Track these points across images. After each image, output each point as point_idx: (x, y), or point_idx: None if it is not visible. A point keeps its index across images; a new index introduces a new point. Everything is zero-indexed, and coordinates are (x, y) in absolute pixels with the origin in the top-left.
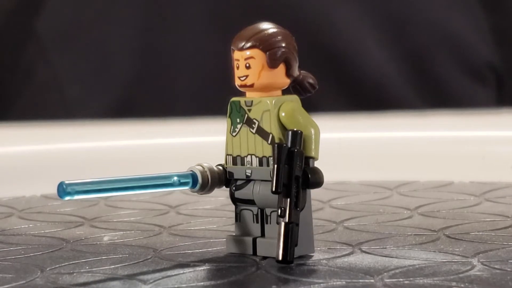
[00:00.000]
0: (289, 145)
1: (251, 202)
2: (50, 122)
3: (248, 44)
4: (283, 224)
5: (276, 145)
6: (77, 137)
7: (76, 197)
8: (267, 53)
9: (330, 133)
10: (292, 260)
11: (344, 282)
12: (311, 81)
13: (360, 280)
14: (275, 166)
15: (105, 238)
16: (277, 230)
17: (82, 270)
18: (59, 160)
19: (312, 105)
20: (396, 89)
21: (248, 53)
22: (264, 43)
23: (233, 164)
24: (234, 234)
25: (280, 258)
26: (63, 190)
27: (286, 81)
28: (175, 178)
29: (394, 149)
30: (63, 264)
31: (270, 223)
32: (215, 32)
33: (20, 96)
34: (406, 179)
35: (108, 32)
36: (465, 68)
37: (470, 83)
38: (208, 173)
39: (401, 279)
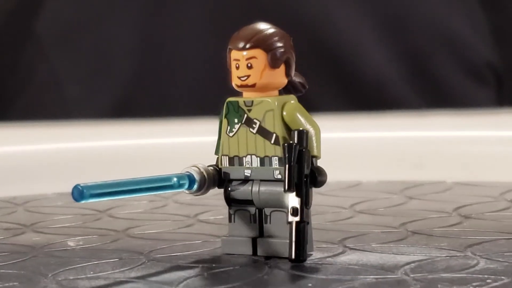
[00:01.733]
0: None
1: (248, 202)
2: (50, 122)
3: (250, 44)
4: (294, 223)
5: (286, 144)
6: (77, 137)
7: (91, 200)
8: (269, 53)
9: (330, 133)
10: (305, 259)
11: (373, 279)
12: (301, 80)
13: (388, 276)
14: (287, 165)
15: (71, 244)
16: (289, 230)
17: (88, 275)
18: (59, 160)
19: (312, 105)
20: (396, 89)
21: (249, 53)
22: (266, 43)
23: (229, 165)
24: (227, 235)
25: (293, 257)
26: (80, 193)
27: (285, 81)
28: (175, 179)
29: (394, 149)
30: (61, 270)
31: (270, 223)
32: (215, 32)
33: (20, 96)
34: (406, 178)
35: (108, 32)
36: (465, 68)
37: (470, 83)
38: (205, 173)
39: (425, 274)
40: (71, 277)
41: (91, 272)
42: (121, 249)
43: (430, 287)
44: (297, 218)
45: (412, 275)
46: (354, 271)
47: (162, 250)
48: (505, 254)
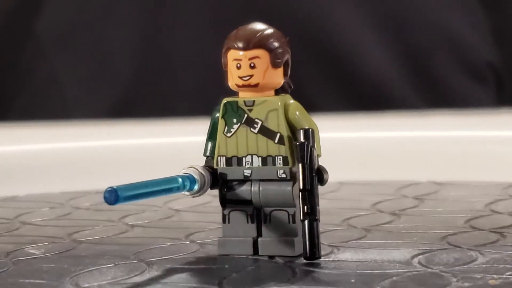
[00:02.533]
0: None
1: (246, 202)
2: (50, 122)
3: (254, 44)
4: (308, 221)
5: (299, 144)
6: (77, 137)
7: (123, 203)
8: (272, 53)
9: (330, 133)
10: (320, 256)
11: (407, 272)
12: (287, 80)
13: (416, 270)
14: (300, 164)
15: (36, 252)
16: (302, 228)
17: (111, 281)
18: (59, 160)
19: (312, 105)
20: (396, 89)
21: (252, 53)
22: (268, 43)
23: (226, 165)
24: (222, 236)
25: (309, 254)
26: (115, 196)
27: (281, 81)
28: (180, 180)
29: (394, 149)
30: (69, 277)
31: (270, 222)
32: (215, 32)
33: (20, 96)
34: (406, 178)
35: (108, 32)
36: (465, 68)
37: (470, 83)
38: (204, 174)
39: (446, 266)
40: (95, 283)
41: (108, 278)
42: (98, 254)
43: (467, 278)
44: (312, 216)
45: (436, 268)
46: (376, 267)
47: (146, 254)
48: (488, 245)
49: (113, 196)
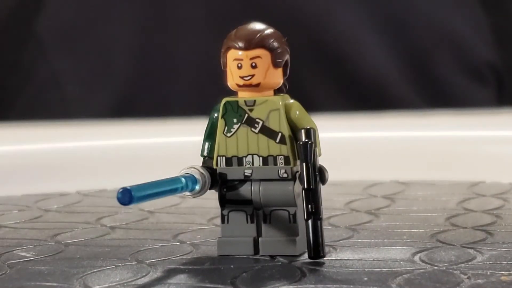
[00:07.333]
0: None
1: (245, 202)
2: (50, 122)
3: (255, 44)
4: (312, 220)
5: (302, 143)
6: (77, 137)
7: (138, 203)
8: (273, 52)
9: (330, 133)
10: (325, 255)
11: (417, 270)
12: (284, 81)
13: (422, 268)
14: (305, 164)
15: (27, 254)
16: (305, 227)
17: (120, 282)
18: (59, 160)
19: (312, 105)
20: (396, 88)
21: (254, 52)
22: (269, 43)
23: (226, 165)
24: (221, 236)
25: (313, 253)
26: (129, 197)
27: (281, 81)
28: (183, 180)
29: (394, 148)
30: (75, 279)
31: (270, 222)
32: (215, 32)
33: (20, 96)
34: (406, 179)
35: (108, 32)
36: (466, 68)
37: (470, 83)
38: (205, 174)
39: (452, 264)
40: (105, 284)
41: (116, 279)
42: (92, 257)
43: (478, 275)
44: (316, 215)
45: (441, 265)
46: (382, 265)
47: (142, 256)
48: (479, 243)
49: (127, 196)
